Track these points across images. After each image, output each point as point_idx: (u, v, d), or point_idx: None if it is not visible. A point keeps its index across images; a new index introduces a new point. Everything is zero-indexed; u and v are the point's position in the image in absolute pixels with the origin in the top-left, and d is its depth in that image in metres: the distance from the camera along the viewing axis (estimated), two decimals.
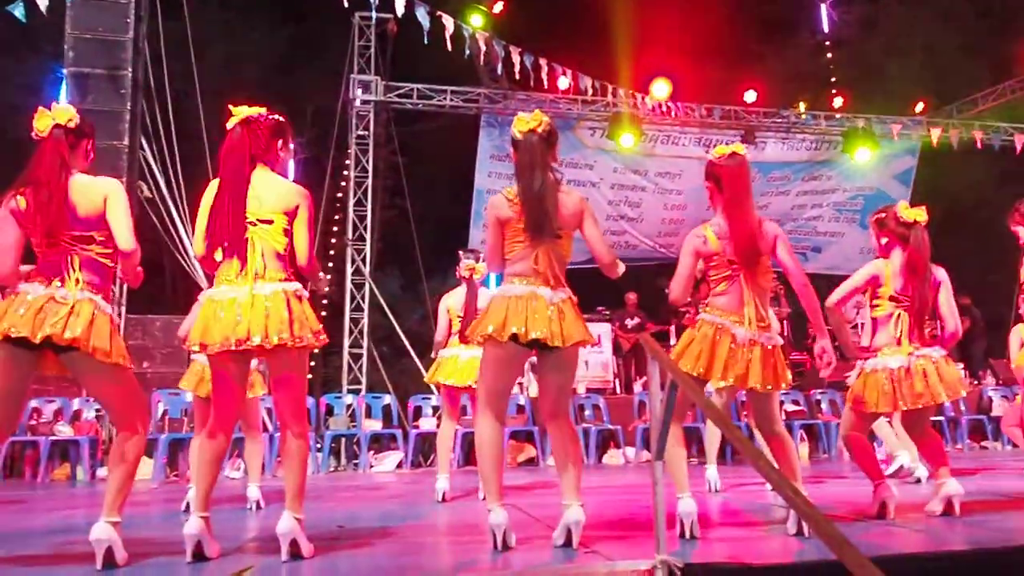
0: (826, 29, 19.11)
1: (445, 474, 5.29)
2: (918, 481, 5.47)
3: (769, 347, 3.34)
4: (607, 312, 11.08)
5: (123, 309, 9.23)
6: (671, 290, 3.47)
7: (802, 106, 13.48)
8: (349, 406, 9.53)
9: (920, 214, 3.93)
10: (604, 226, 12.64)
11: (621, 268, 3.38)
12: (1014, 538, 3.21)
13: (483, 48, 10.59)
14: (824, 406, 9.62)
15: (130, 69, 9.50)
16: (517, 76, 10.74)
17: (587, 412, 9.46)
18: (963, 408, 9.62)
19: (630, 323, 11.21)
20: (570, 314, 3.16)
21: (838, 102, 13.24)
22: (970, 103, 13.20)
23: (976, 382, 10.49)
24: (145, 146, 9.82)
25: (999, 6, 18.04)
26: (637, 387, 10.22)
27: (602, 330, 10.34)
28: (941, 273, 3.96)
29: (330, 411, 9.22)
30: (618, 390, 10.55)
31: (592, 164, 12.22)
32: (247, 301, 3.00)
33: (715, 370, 3.29)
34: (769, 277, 3.49)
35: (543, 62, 10.63)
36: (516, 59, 10.55)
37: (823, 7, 20.25)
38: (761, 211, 12.47)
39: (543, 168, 3.19)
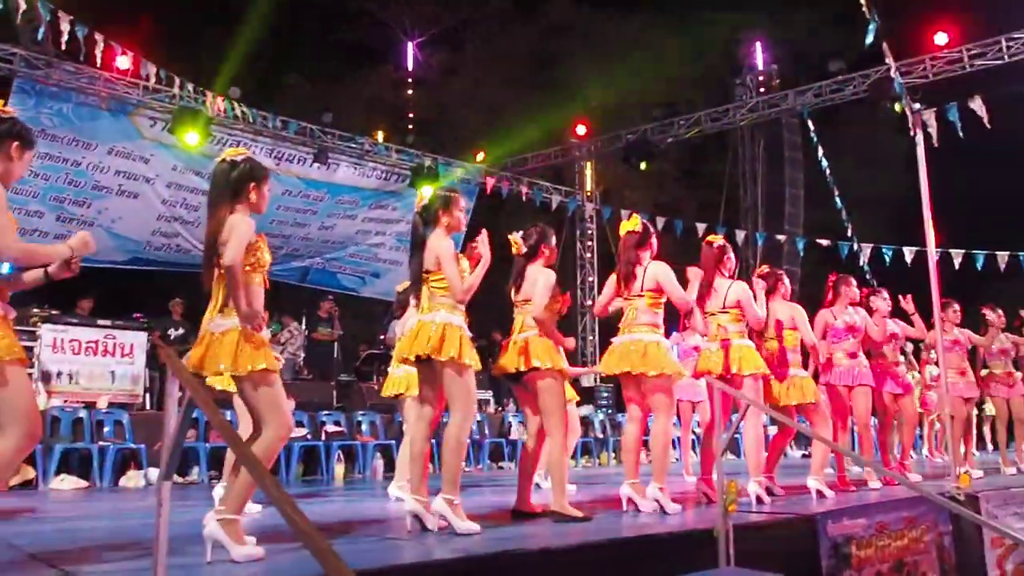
0: (410, 67, 20.13)
1: None
2: None
3: None
4: (146, 320, 10.10)
5: None
6: None
7: (380, 136, 13.92)
8: None
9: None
10: (155, 227, 11.66)
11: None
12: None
13: (23, 5, 9.09)
14: (364, 427, 9.79)
15: None
16: (63, 46, 9.40)
17: (107, 429, 8.46)
18: (486, 432, 10.50)
19: (173, 333, 10.37)
20: None
21: (410, 139, 13.84)
22: (522, 160, 14.73)
23: (501, 408, 11.56)
24: None
25: (553, 80, 20.67)
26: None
27: (136, 339, 9.38)
28: None
29: None
30: (148, 405, 9.63)
31: (148, 158, 11.16)
32: None
33: None
34: None
35: (99, 37, 9.43)
36: (65, 27, 9.22)
37: (410, 45, 21.34)
38: (326, 231, 12.47)
39: None
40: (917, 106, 5.09)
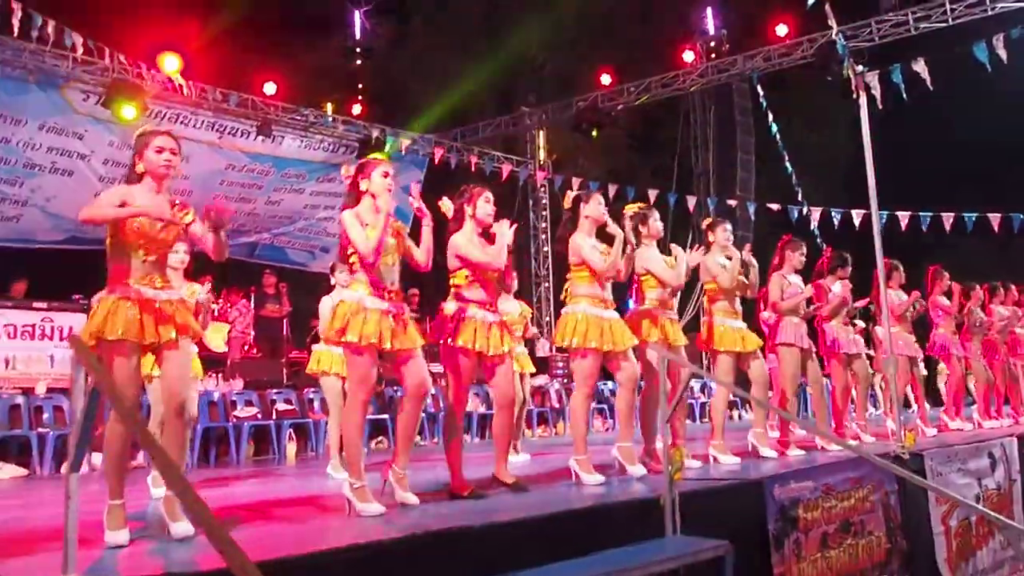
0: (358, 36, 19.68)
1: None
2: None
3: None
4: (85, 301, 9.77)
5: None
6: None
7: (329, 107, 13.60)
8: None
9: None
10: None
11: None
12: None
13: None
14: (316, 405, 9.62)
15: None
16: None
17: (46, 415, 8.19)
18: (441, 405, 10.43)
19: None
20: None
21: (357, 109, 13.55)
22: (473, 130, 14.52)
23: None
24: None
25: (504, 49, 20.38)
26: None
27: (76, 321, 9.08)
28: None
29: None
30: None
31: (82, 134, 10.74)
32: None
33: None
34: None
35: (16, 6, 8.98)
36: None
37: (357, 14, 20.84)
38: (273, 206, 12.20)
39: None
40: (860, 68, 5.04)
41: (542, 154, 15.00)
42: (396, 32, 20.90)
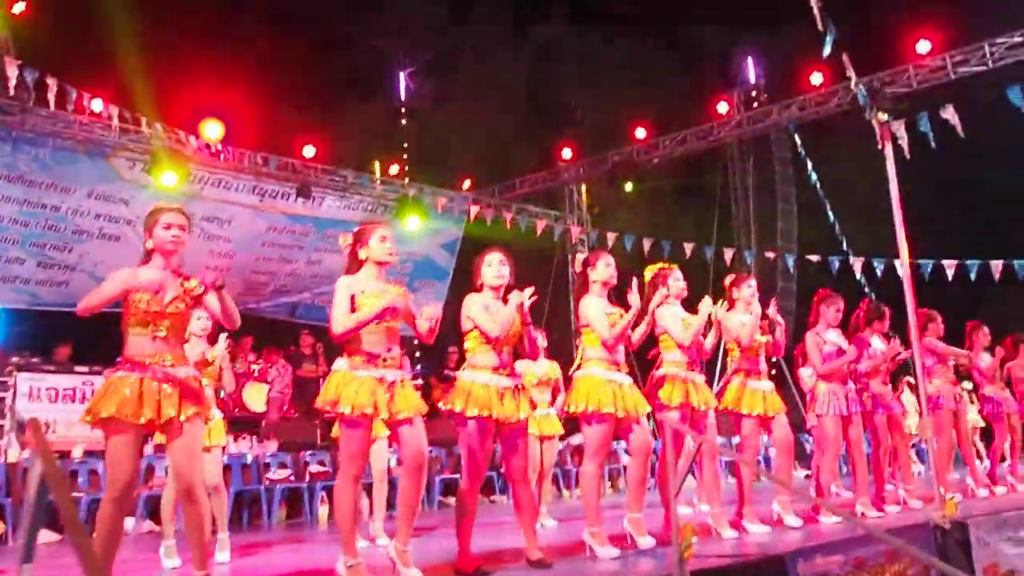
0: (403, 96, 20.13)
1: None
2: None
3: None
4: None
5: None
6: None
7: (377, 167, 13.79)
8: None
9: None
10: None
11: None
12: None
13: None
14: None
15: None
16: (32, 94, 9.35)
17: (81, 479, 8.27)
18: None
19: None
20: None
21: (394, 169, 13.72)
22: (510, 186, 14.56)
23: None
24: None
25: (546, 104, 20.59)
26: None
27: None
28: None
29: None
30: None
31: (128, 200, 11.06)
32: None
33: None
34: None
35: (70, 87, 9.37)
36: (28, 76, 9.16)
37: (402, 75, 21.34)
38: (314, 266, 12.34)
39: None
40: (884, 117, 4.89)
41: (581, 208, 14.95)
42: (439, 92, 21.28)
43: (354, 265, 4.01)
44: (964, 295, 10.72)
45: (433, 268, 13.98)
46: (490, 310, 4.23)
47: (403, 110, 21.24)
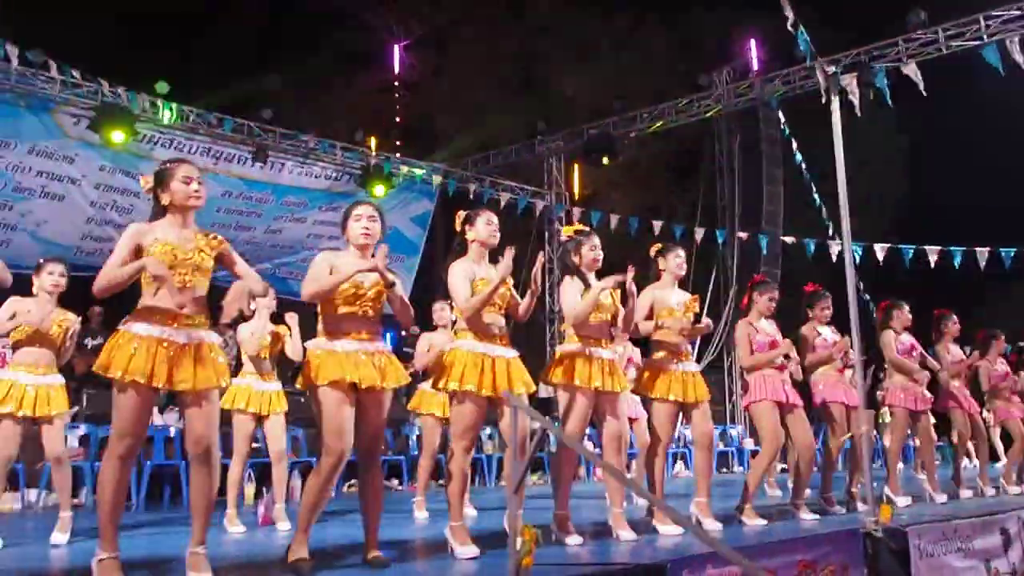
0: (396, 70, 19.67)
1: None
2: None
3: None
4: None
5: None
6: None
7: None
8: None
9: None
10: (85, 231, 11.02)
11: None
12: None
13: None
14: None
15: None
16: None
17: None
18: None
19: (91, 342, 9.72)
20: None
21: (359, 135, 13.13)
22: (485, 159, 13.93)
23: None
24: None
25: (538, 73, 20.05)
26: None
27: None
28: None
29: None
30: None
31: (73, 157, 10.55)
32: None
33: None
34: None
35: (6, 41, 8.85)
36: None
37: (396, 48, 20.84)
38: (274, 235, 11.80)
39: None
40: (832, 70, 4.27)
41: (559, 185, 14.34)
42: (432, 66, 20.77)
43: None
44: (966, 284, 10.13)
45: (402, 240, 13.40)
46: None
47: (396, 84, 20.86)
